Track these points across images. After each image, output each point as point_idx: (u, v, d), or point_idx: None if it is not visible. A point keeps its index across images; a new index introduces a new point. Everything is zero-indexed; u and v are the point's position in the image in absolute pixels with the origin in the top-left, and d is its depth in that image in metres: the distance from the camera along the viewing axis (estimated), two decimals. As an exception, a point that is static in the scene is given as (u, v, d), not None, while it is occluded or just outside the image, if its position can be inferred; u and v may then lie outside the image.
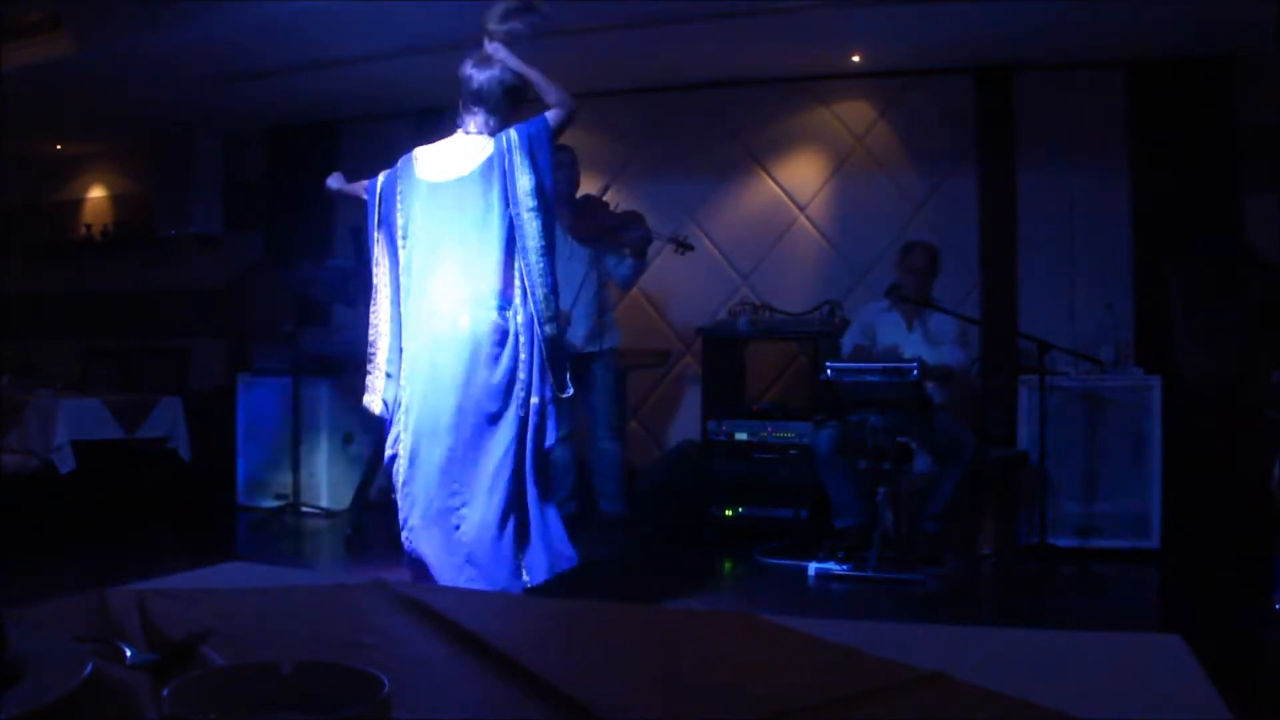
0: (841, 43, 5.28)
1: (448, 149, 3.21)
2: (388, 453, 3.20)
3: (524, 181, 3.08)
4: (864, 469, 4.36)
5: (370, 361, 3.24)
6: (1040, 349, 4.40)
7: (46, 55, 5.29)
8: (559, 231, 4.68)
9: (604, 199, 4.80)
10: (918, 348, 4.48)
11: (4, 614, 0.70)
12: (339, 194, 3.43)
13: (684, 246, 4.81)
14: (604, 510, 4.91)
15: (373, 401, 3.22)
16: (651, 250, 4.88)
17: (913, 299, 4.59)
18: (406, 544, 3.12)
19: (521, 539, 3.11)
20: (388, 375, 3.20)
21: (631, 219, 4.77)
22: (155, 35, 5.05)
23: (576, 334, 4.67)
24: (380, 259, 3.25)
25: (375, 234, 3.26)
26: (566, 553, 3.21)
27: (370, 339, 3.25)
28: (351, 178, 3.51)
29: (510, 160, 3.10)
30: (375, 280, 3.25)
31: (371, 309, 3.26)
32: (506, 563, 3.06)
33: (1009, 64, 5.43)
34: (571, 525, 4.71)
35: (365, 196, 3.31)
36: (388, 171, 3.28)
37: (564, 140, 4.75)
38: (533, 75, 3.22)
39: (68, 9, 5.18)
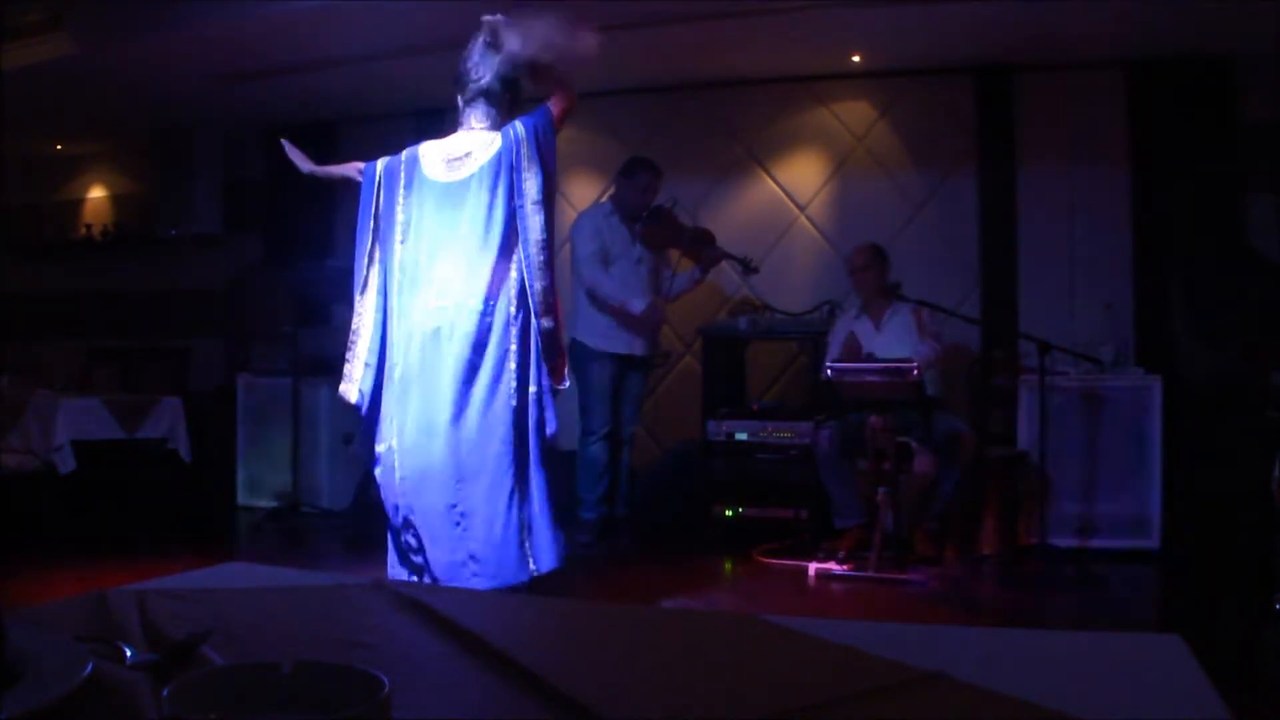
0: (841, 43, 5.27)
1: (454, 146, 3.21)
2: (378, 448, 3.17)
3: (531, 176, 3.09)
4: (864, 469, 4.36)
5: (350, 350, 3.21)
6: (1040, 349, 4.40)
7: (46, 55, 5.28)
8: (629, 237, 4.75)
9: (673, 211, 4.87)
10: (888, 347, 4.49)
11: (4, 614, 0.70)
12: (314, 175, 3.36)
13: (751, 269, 4.96)
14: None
15: (349, 390, 3.20)
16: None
17: (870, 298, 4.71)
18: (403, 535, 3.11)
19: (525, 528, 3.10)
20: (366, 365, 3.19)
21: (703, 236, 4.97)
22: (155, 35, 5.05)
23: (639, 336, 4.71)
24: (370, 249, 3.22)
25: (369, 222, 3.23)
26: (559, 545, 3.20)
27: (354, 327, 3.22)
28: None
29: (518, 154, 3.11)
30: (364, 271, 3.22)
31: (358, 298, 3.22)
32: (512, 554, 3.05)
33: (1009, 64, 5.43)
34: (608, 529, 4.75)
35: (358, 178, 3.27)
36: (388, 159, 3.25)
37: (646, 154, 4.84)
38: (539, 56, 3.21)
39: (68, 9, 5.18)
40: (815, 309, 5.28)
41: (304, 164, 3.34)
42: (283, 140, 3.37)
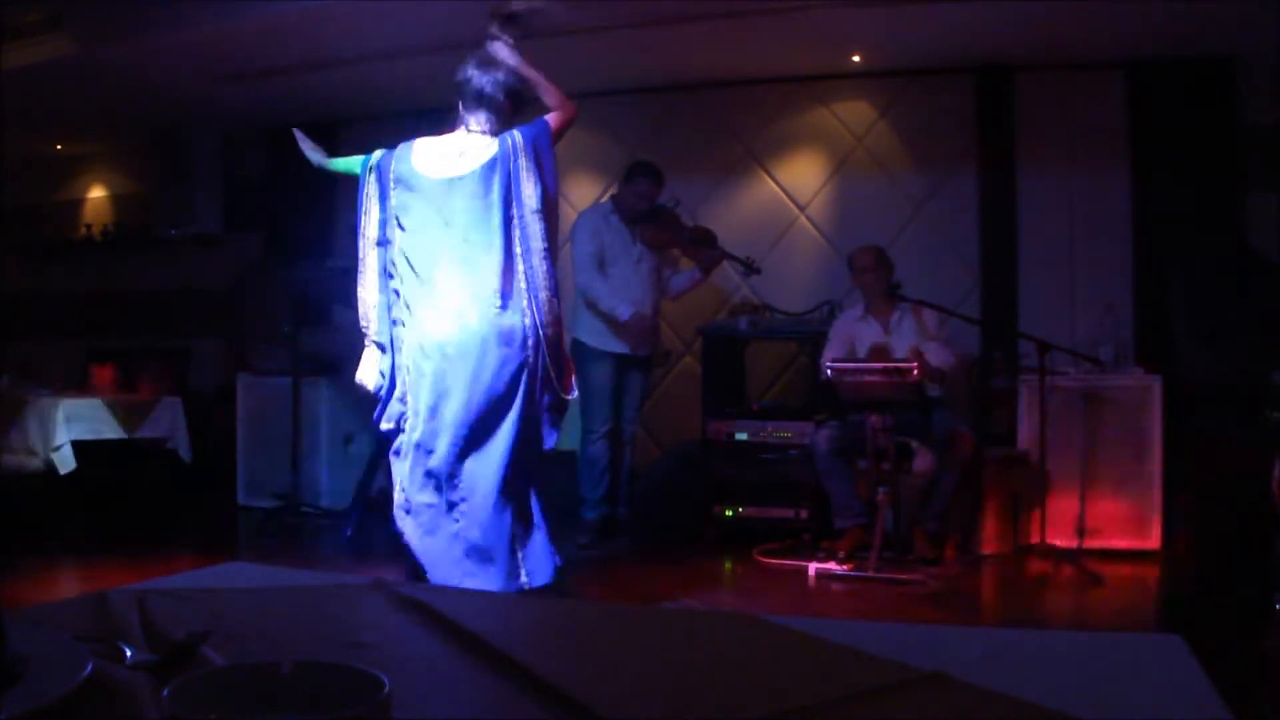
0: (841, 43, 5.27)
1: (450, 145, 3.20)
2: (385, 426, 3.15)
3: (529, 185, 3.08)
4: (864, 469, 4.36)
5: (365, 336, 3.20)
6: (1040, 349, 4.40)
7: (46, 55, 5.28)
8: (630, 236, 4.76)
9: (675, 211, 4.88)
10: (898, 349, 4.48)
11: (4, 614, 0.70)
12: (323, 168, 3.36)
13: (753, 270, 4.96)
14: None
15: (367, 375, 3.17)
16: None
17: (874, 299, 4.66)
18: (398, 522, 3.10)
19: (521, 540, 3.10)
20: (380, 347, 3.16)
21: (704, 236, 4.98)
22: (155, 35, 5.05)
23: (634, 339, 4.73)
24: (366, 233, 3.20)
25: (364, 207, 3.22)
26: (554, 560, 3.20)
27: (360, 313, 3.20)
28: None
29: (515, 163, 3.10)
30: (361, 254, 3.20)
31: (359, 284, 3.20)
32: (504, 562, 3.05)
33: (1009, 64, 5.43)
34: (609, 529, 4.75)
35: (357, 170, 3.28)
36: (384, 151, 3.24)
37: (646, 154, 4.85)
38: (534, 77, 3.24)
39: (68, 9, 5.18)
40: (815, 309, 5.28)
41: (314, 155, 3.34)
42: (295, 130, 3.37)
